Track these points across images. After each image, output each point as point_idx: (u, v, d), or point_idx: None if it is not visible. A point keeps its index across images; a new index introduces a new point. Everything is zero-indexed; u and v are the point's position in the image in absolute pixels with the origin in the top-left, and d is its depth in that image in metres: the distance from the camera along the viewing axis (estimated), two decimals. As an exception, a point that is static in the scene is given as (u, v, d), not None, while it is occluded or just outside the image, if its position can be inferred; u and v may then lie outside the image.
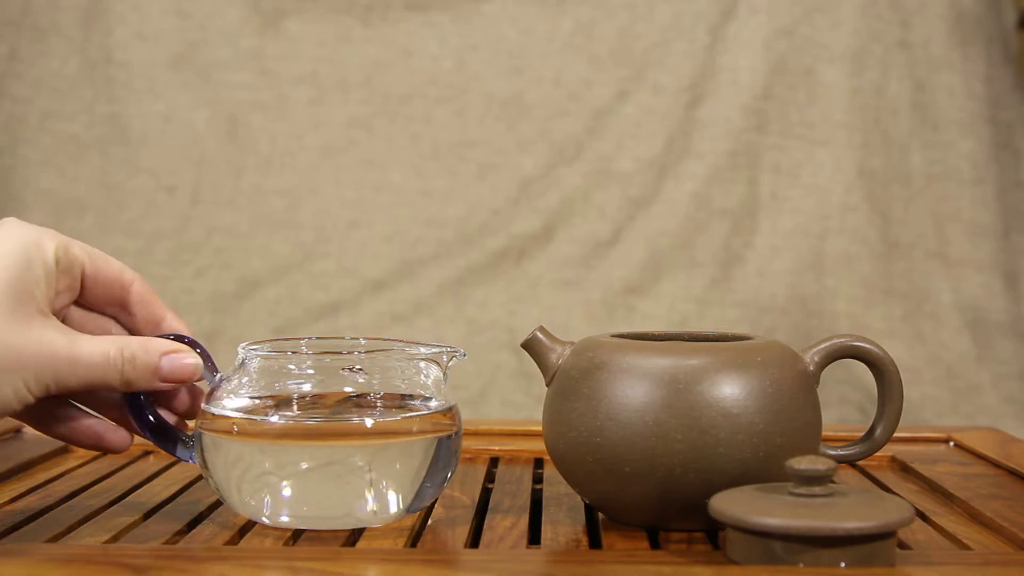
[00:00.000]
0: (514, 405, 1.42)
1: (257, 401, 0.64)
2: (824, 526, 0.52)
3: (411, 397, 0.65)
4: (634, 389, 0.61)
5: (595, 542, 0.62)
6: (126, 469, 0.79)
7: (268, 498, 0.62)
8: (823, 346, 0.65)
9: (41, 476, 0.76)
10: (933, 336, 1.44)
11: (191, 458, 0.65)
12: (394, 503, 0.63)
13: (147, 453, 0.84)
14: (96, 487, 0.73)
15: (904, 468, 0.80)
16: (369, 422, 0.62)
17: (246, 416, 0.63)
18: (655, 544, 0.61)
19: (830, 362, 0.65)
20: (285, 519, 0.62)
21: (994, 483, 0.74)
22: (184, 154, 1.48)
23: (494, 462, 0.82)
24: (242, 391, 0.64)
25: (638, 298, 1.45)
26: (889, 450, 0.82)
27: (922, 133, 1.48)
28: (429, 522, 0.65)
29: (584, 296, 1.46)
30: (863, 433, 0.67)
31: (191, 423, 0.66)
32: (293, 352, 0.66)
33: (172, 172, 1.47)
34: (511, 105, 1.48)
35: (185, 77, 1.48)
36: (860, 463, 0.80)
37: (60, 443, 0.84)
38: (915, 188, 1.47)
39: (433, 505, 0.69)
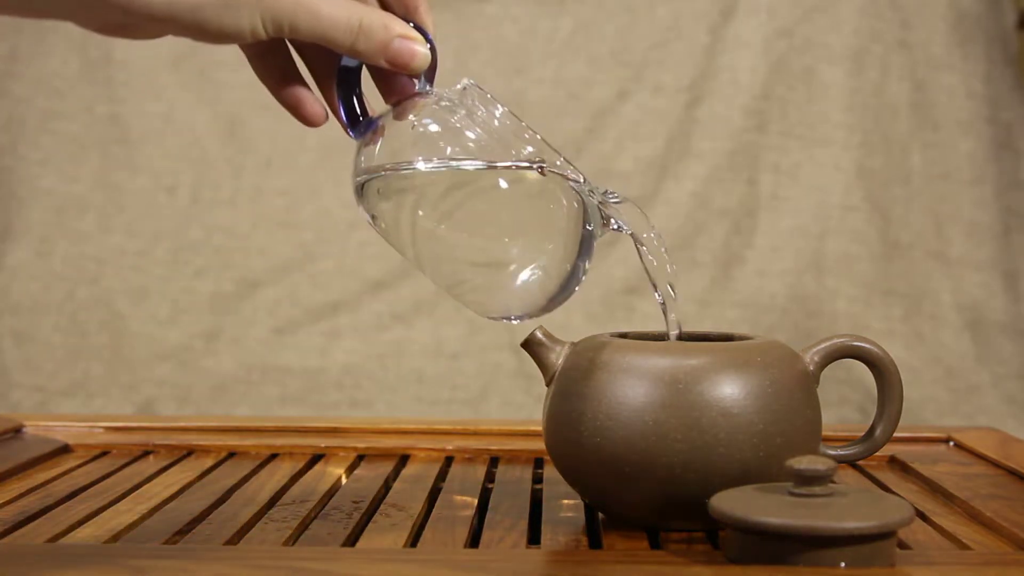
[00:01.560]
0: (514, 405, 1.42)
1: (440, 135, 0.63)
2: (824, 526, 0.52)
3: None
4: (634, 389, 0.61)
5: (595, 542, 0.62)
6: (126, 469, 0.79)
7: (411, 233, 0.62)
8: (823, 346, 0.65)
9: (41, 476, 0.76)
10: (933, 336, 1.44)
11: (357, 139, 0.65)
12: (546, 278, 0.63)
13: (147, 453, 0.84)
14: (96, 487, 0.73)
15: (904, 468, 0.80)
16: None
17: (421, 151, 0.63)
18: (655, 544, 0.61)
19: (830, 362, 0.65)
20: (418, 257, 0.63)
21: (994, 483, 0.74)
22: (184, 154, 1.48)
23: (494, 462, 0.82)
24: (438, 115, 0.63)
25: (638, 298, 1.45)
26: (889, 450, 0.82)
27: (922, 133, 1.48)
28: (429, 522, 0.65)
29: (584, 296, 1.46)
30: (863, 433, 0.67)
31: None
32: (508, 113, 0.64)
33: (172, 172, 1.47)
34: (511, 105, 1.48)
35: (185, 77, 1.48)
36: (860, 463, 0.80)
37: (60, 443, 0.84)
38: (915, 188, 1.47)
39: (433, 505, 0.69)
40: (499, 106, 0.63)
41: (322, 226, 1.47)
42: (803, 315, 1.44)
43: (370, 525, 0.65)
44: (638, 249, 0.64)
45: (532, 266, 0.63)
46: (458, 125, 0.63)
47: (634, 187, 1.46)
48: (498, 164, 0.62)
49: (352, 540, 0.62)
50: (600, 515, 0.66)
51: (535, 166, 0.62)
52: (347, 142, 0.67)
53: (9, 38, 1.48)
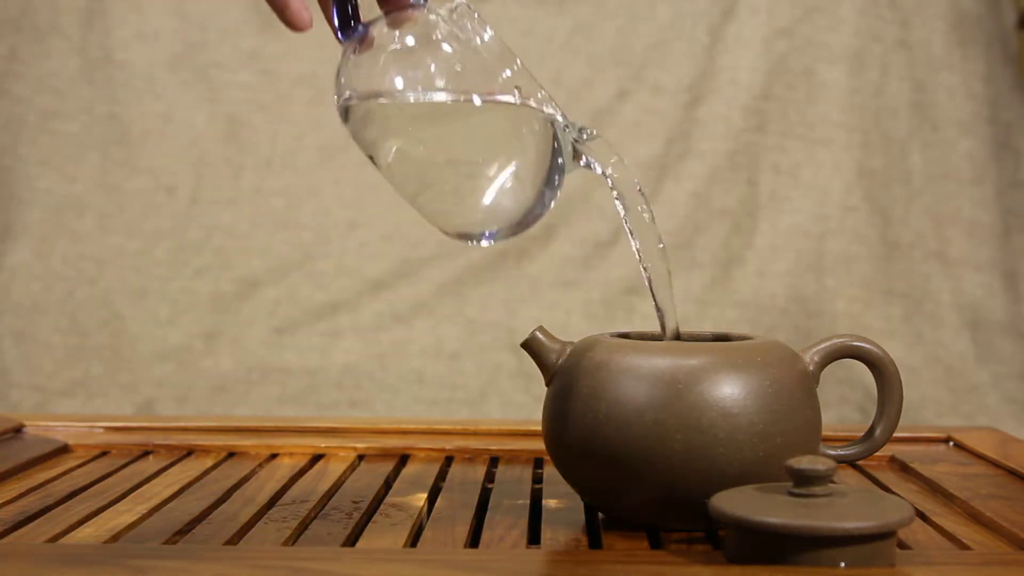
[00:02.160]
0: (514, 405, 1.42)
1: (425, 53, 0.65)
2: (824, 526, 0.52)
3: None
4: (634, 389, 0.61)
5: (595, 542, 0.62)
6: (126, 469, 0.79)
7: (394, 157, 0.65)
8: (823, 346, 0.65)
9: (41, 476, 0.76)
10: (933, 336, 1.44)
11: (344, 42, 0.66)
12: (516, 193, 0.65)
13: (147, 453, 0.84)
14: (96, 487, 0.73)
15: (904, 468, 0.80)
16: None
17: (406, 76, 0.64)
18: (655, 544, 0.61)
19: (830, 362, 0.65)
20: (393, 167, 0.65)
21: (994, 483, 0.74)
22: (184, 154, 1.48)
23: (494, 462, 0.82)
24: (426, 33, 0.64)
25: (638, 298, 1.45)
26: (889, 450, 0.82)
27: (922, 133, 1.48)
28: (429, 522, 0.66)
29: (584, 296, 1.46)
30: (863, 433, 0.67)
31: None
32: (495, 37, 0.65)
33: (172, 172, 1.47)
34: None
35: (185, 77, 1.48)
36: (860, 463, 0.80)
37: (60, 443, 0.84)
38: (915, 188, 1.47)
39: (433, 505, 0.69)
40: (488, 29, 0.64)
41: (322, 226, 1.47)
42: (803, 315, 1.44)
43: (370, 525, 0.65)
44: (611, 190, 0.65)
45: (497, 186, 0.65)
46: (443, 44, 0.64)
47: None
48: (474, 96, 0.63)
49: (352, 540, 0.62)
50: (600, 515, 0.66)
51: (508, 97, 0.63)
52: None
53: (9, 38, 1.48)
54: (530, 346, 0.66)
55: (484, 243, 0.68)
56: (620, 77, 1.48)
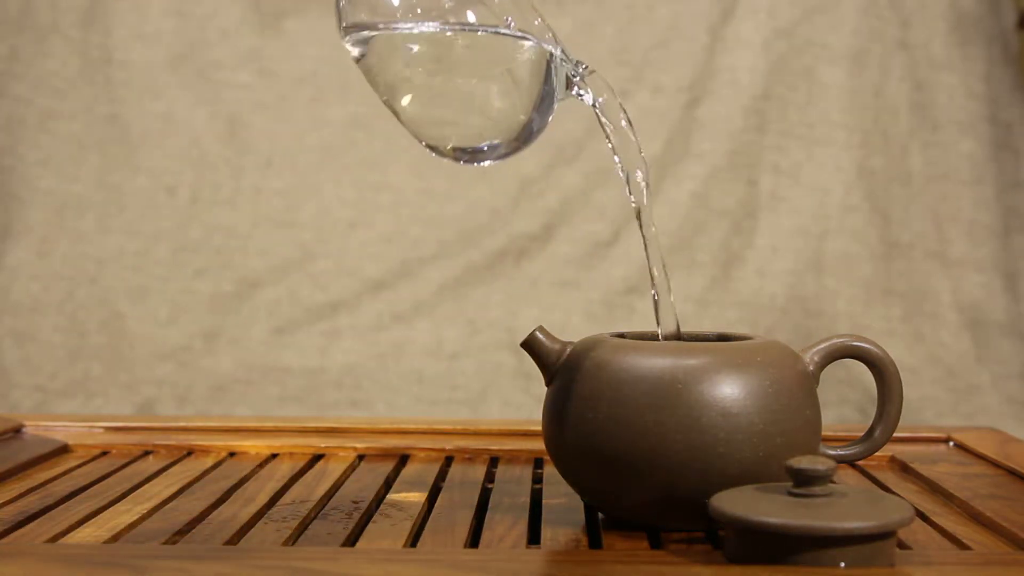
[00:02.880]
0: (514, 405, 1.42)
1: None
2: (824, 526, 0.52)
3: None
4: (634, 389, 0.61)
5: (595, 542, 0.62)
6: (126, 469, 0.79)
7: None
8: (823, 346, 0.65)
9: (41, 476, 0.76)
10: (933, 336, 1.44)
11: None
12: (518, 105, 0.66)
13: (147, 453, 0.84)
14: (96, 487, 0.73)
15: (904, 468, 0.80)
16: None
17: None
18: (655, 544, 0.61)
19: (830, 362, 0.65)
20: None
21: (994, 483, 0.74)
22: (184, 154, 1.48)
23: (494, 462, 0.82)
24: None
25: (638, 298, 1.45)
26: (889, 450, 0.82)
27: (922, 133, 1.48)
28: (429, 522, 0.66)
29: (584, 296, 1.46)
30: (863, 433, 0.67)
31: None
32: None
33: (172, 172, 1.47)
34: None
35: (185, 77, 1.48)
36: (860, 463, 0.80)
37: (60, 443, 0.84)
38: (915, 188, 1.47)
39: (433, 505, 0.69)
40: None
41: (322, 226, 1.47)
42: (803, 315, 1.44)
43: (370, 525, 0.65)
44: (600, 122, 0.67)
45: (488, 103, 0.67)
46: None
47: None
48: (469, 27, 0.65)
49: (352, 540, 0.62)
50: (600, 515, 0.66)
51: (504, 28, 0.65)
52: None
53: (9, 38, 1.48)
54: (530, 346, 0.66)
55: (476, 163, 0.69)
56: (620, 77, 1.48)
